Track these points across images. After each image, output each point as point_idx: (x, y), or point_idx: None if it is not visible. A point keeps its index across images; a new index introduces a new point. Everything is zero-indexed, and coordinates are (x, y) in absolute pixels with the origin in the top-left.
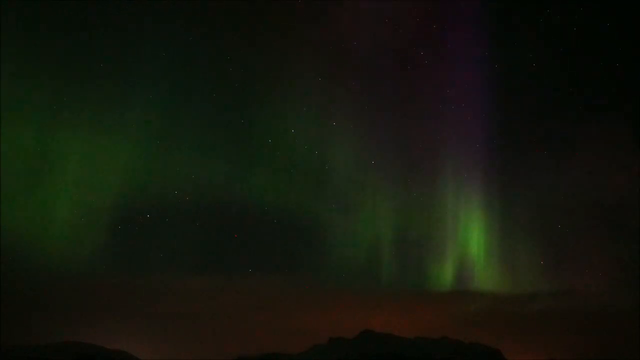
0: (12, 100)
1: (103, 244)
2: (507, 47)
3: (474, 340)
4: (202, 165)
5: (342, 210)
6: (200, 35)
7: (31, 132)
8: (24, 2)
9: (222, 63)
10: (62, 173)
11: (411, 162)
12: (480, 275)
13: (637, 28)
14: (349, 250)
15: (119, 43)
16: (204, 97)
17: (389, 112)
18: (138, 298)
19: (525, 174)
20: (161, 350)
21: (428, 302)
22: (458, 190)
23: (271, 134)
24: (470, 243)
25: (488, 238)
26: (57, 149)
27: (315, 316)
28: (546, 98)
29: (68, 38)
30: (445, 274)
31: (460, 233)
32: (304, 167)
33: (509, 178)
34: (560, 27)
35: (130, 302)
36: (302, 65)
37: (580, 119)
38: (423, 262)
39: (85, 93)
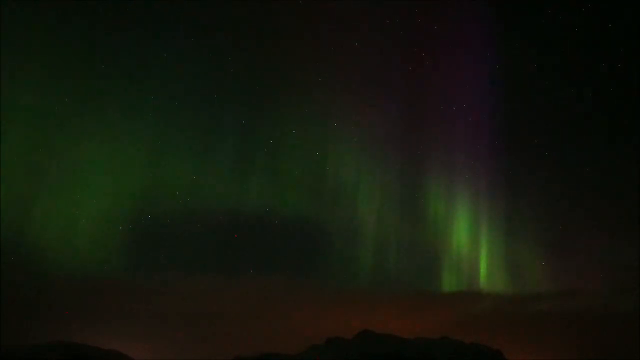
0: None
1: (102, 246)
2: (508, 47)
3: (475, 341)
4: (202, 166)
5: (342, 211)
6: (201, 36)
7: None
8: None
9: (222, 64)
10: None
11: (412, 162)
12: (482, 276)
13: (638, 28)
14: (350, 250)
15: (124, 51)
16: (204, 98)
17: (390, 113)
18: (136, 299)
19: (527, 174)
20: (159, 350)
21: (430, 302)
22: (460, 190)
23: (272, 135)
24: (473, 244)
25: (490, 239)
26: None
27: (315, 316)
28: (548, 98)
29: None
30: (448, 275)
31: (462, 234)
32: (304, 168)
33: (512, 178)
34: (561, 27)
35: (130, 302)
36: (302, 65)
37: (582, 119)
38: (425, 263)
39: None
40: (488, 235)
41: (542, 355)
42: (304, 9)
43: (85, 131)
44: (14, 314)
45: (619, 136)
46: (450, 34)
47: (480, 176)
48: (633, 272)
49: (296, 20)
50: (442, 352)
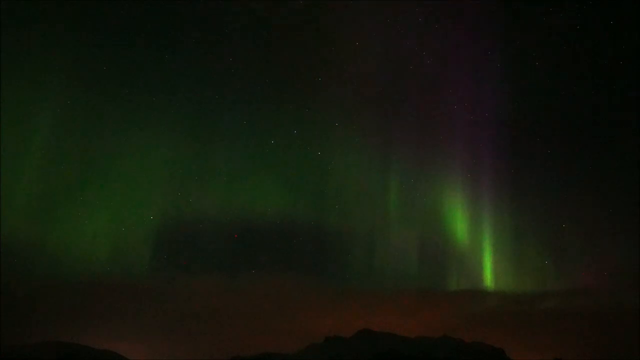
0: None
1: (103, 247)
2: (510, 46)
3: (476, 340)
4: (204, 167)
5: (344, 211)
6: (202, 39)
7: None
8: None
9: (224, 66)
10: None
11: (415, 161)
12: (486, 275)
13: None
14: (351, 250)
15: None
16: (205, 100)
17: (392, 113)
18: (136, 299)
19: (531, 173)
20: (157, 350)
21: (431, 302)
22: (464, 190)
23: (274, 136)
24: (477, 243)
25: (495, 238)
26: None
27: (314, 315)
28: (551, 97)
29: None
30: (451, 274)
31: (467, 233)
32: (306, 168)
33: (516, 177)
34: (563, 26)
35: (129, 302)
36: (303, 66)
37: (585, 118)
38: (428, 262)
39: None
40: (492, 234)
41: (546, 354)
42: (305, 9)
43: (87, 133)
44: (10, 314)
45: (622, 135)
46: (452, 33)
47: (484, 175)
48: (638, 272)
49: (298, 21)
50: (442, 350)
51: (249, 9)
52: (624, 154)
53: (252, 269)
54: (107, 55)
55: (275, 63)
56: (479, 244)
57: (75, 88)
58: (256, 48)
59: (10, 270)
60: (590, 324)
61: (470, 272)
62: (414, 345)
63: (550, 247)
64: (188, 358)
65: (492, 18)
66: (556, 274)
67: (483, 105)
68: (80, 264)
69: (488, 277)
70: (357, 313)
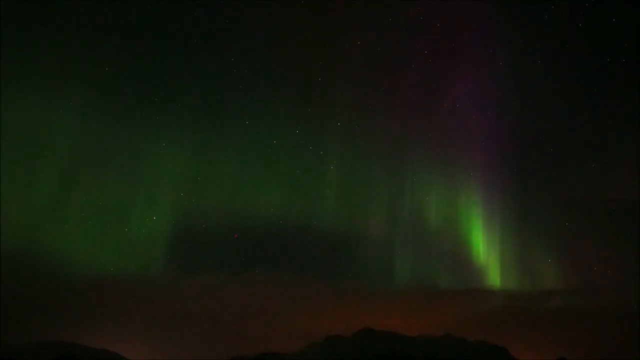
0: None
1: (103, 247)
2: (512, 45)
3: (479, 338)
4: (205, 167)
5: (345, 210)
6: (203, 38)
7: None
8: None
9: (225, 65)
10: None
11: (418, 161)
12: (489, 273)
13: None
14: (352, 249)
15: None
16: (207, 99)
17: (394, 112)
18: (136, 298)
19: (535, 172)
20: (156, 350)
21: (434, 300)
22: (467, 189)
23: (275, 135)
24: (480, 241)
25: (498, 237)
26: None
27: (314, 315)
28: (552, 96)
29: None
30: (454, 273)
31: (469, 232)
32: (307, 167)
33: (520, 176)
34: (566, 24)
35: (129, 302)
36: (305, 65)
37: (589, 116)
38: (430, 261)
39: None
40: (495, 233)
41: (549, 353)
42: (305, 9)
43: (91, 134)
44: (10, 314)
45: (624, 134)
46: (454, 32)
47: (488, 174)
48: None
49: (299, 20)
50: (444, 350)
51: (250, 9)
52: (625, 153)
53: (253, 268)
54: (108, 56)
55: (276, 63)
56: (482, 242)
57: (78, 89)
58: (258, 48)
59: (10, 270)
60: (594, 323)
61: (473, 270)
62: (415, 344)
63: (555, 246)
64: (188, 358)
65: (494, 16)
66: (560, 273)
67: (487, 103)
68: (81, 265)
69: (491, 276)
70: (358, 312)
